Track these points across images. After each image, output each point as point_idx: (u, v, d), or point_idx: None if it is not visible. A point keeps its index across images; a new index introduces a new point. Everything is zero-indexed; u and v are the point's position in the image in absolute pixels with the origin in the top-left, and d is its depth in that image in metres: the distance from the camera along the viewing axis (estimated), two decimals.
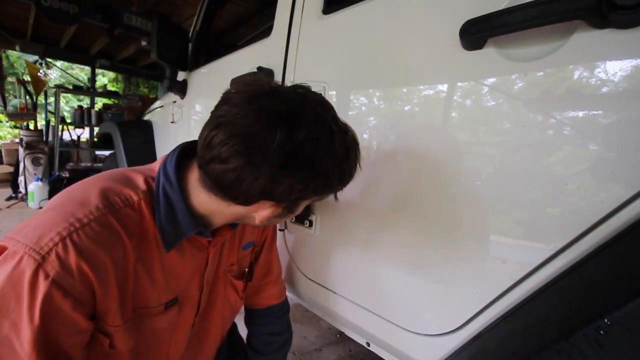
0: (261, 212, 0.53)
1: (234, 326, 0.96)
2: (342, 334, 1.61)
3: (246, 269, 0.74)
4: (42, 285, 0.40)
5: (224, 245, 0.68)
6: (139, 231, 0.51)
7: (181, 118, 1.62)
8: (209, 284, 0.66)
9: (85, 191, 0.49)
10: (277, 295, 0.87)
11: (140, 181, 0.53)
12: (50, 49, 5.52)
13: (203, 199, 0.53)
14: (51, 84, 5.37)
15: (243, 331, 0.92)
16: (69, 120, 5.00)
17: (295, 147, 0.44)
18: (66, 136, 4.92)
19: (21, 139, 3.99)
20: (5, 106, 5.38)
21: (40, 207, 3.50)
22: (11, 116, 4.80)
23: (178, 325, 0.62)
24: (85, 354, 0.49)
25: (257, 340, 0.86)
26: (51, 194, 3.55)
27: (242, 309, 0.89)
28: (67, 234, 0.43)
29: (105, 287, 0.46)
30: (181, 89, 1.57)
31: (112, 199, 0.49)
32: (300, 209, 0.57)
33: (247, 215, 0.55)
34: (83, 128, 5.10)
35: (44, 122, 4.88)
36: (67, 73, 8.32)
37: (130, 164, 1.97)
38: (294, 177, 0.46)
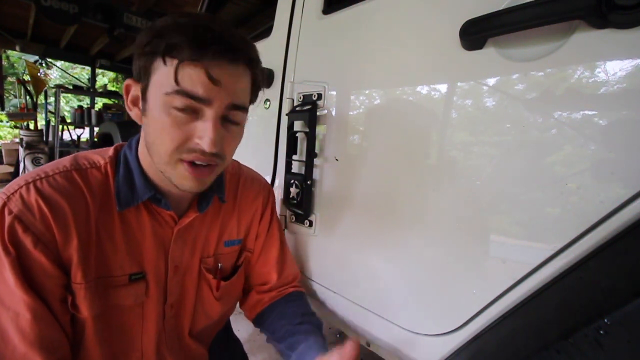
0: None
1: (230, 333, 0.94)
2: (342, 334, 1.61)
3: (219, 264, 0.69)
4: (7, 220, 0.47)
5: (198, 232, 0.66)
6: (102, 191, 0.55)
7: None
8: (177, 268, 0.63)
9: (62, 159, 0.56)
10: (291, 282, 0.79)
11: (110, 150, 0.60)
12: (50, 49, 5.53)
13: (143, 154, 0.57)
14: (51, 84, 5.38)
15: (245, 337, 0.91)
16: (69, 120, 5.00)
17: None
18: (66, 136, 4.93)
19: (21, 139, 3.99)
20: (3, 107, 5.37)
21: None
22: (11, 116, 4.80)
23: (148, 312, 0.61)
24: (64, 313, 0.52)
25: (281, 331, 0.70)
26: None
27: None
28: (31, 180, 0.50)
29: (65, 233, 0.50)
30: None
31: (81, 161, 0.56)
32: (151, 80, 0.50)
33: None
34: (83, 128, 5.10)
35: (44, 122, 4.89)
36: (67, 73, 8.32)
37: None
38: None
